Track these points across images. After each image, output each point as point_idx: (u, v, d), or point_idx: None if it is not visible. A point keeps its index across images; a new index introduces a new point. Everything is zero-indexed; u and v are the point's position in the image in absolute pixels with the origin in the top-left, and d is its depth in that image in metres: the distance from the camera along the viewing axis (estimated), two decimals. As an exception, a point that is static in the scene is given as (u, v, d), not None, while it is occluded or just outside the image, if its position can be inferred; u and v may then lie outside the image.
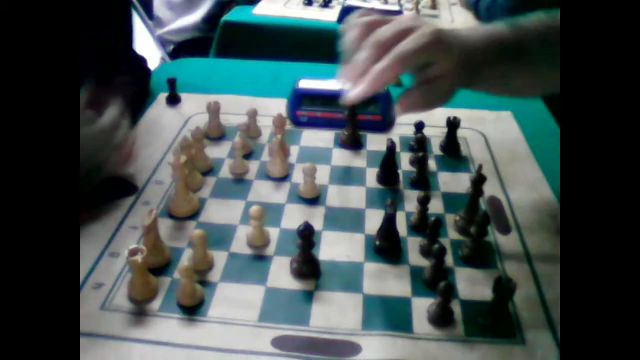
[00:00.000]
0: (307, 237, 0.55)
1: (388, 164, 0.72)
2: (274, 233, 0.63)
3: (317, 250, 0.60)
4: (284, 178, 0.73)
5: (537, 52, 0.57)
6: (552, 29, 0.58)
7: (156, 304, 0.53)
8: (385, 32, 0.50)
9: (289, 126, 0.84)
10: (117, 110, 0.67)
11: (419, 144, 0.75)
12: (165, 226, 0.62)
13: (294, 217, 0.65)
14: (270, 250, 0.60)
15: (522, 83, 0.61)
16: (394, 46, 0.49)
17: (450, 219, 0.66)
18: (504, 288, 0.50)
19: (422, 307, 0.53)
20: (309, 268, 0.57)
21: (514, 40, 0.57)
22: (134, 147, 0.70)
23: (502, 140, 0.84)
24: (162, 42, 1.83)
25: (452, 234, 0.64)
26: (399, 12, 1.41)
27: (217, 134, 0.82)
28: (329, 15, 1.43)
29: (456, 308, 0.53)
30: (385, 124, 0.86)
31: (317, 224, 0.64)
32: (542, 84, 0.63)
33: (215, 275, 0.57)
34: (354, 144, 0.81)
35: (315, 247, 0.59)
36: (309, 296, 0.55)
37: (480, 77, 0.57)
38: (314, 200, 0.68)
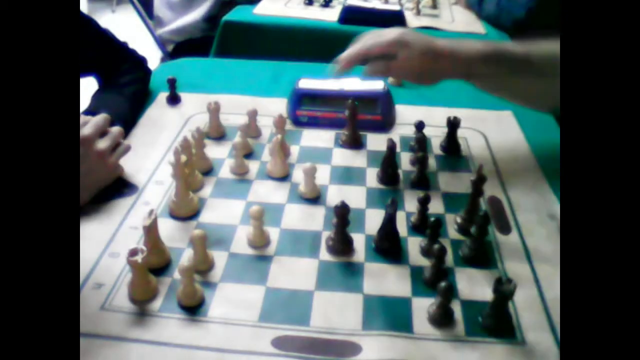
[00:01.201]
0: (342, 214, 0.58)
1: (388, 164, 0.72)
2: (274, 233, 0.62)
3: (317, 249, 0.60)
4: (284, 178, 0.73)
5: (543, 66, 0.61)
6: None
7: (156, 304, 0.53)
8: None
9: (289, 126, 0.84)
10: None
11: (419, 144, 0.75)
12: (165, 226, 0.62)
13: (294, 217, 0.65)
14: (270, 250, 0.60)
15: (529, 92, 0.71)
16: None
17: (450, 219, 0.66)
18: (504, 288, 0.50)
19: (422, 307, 0.53)
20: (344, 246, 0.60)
21: (519, 52, 0.70)
22: (122, 155, 0.70)
23: (502, 140, 0.84)
24: (162, 41, 1.82)
25: (452, 234, 0.64)
26: (399, 12, 1.41)
27: (217, 134, 0.82)
28: (330, 15, 1.43)
29: (456, 308, 0.53)
30: (385, 124, 0.86)
31: (317, 224, 0.64)
32: (551, 97, 0.68)
33: (215, 275, 0.57)
34: (354, 143, 0.81)
35: (316, 246, 0.59)
36: (309, 296, 0.55)
37: (475, 75, 0.74)
38: (314, 200, 0.68)
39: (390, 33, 0.74)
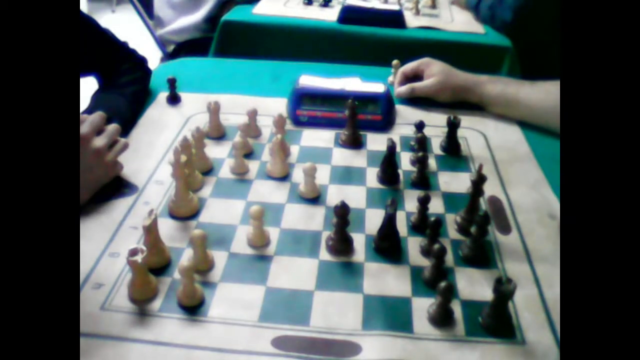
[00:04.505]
0: (342, 214, 0.57)
1: (388, 164, 0.72)
2: (274, 233, 0.62)
3: (317, 249, 0.60)
4: (284, 178, 0.72)
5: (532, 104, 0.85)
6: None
7: (156, 304, 0.53)
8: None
9: (289, 126, 0.84)
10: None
11: (419, 144, 0.75)
12: (165, 226, 0.62)
13: (294, 217, 0.65)
14: (270, 250, 0.60)
15: (540, 107, 0.85)
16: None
17: (450, 219, 0.66)
18: (504, 288, 0.50)
19: (422, 307, 0.53)
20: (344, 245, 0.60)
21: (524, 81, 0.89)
22: (120, 153, 0.70)
23: (502, 140, 0.84)
24: (163, 42, 1.82)
25: (452, 234, 0.64)
26: (399, 12, 1.41)
27: (217, 133, 0.82)
28: (329, 15, 1.43)
29: (456, 308, 0.53)
30: (385, 124, 0.86)
31: (317, 224, 0.64)
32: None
33: (215, 275, 0.57)
34: (354, 143, 0.81)
35: (316, 246, 0.59)
36: (309, 296, 0.55)
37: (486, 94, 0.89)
38: (314, 200, 0.68)
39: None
